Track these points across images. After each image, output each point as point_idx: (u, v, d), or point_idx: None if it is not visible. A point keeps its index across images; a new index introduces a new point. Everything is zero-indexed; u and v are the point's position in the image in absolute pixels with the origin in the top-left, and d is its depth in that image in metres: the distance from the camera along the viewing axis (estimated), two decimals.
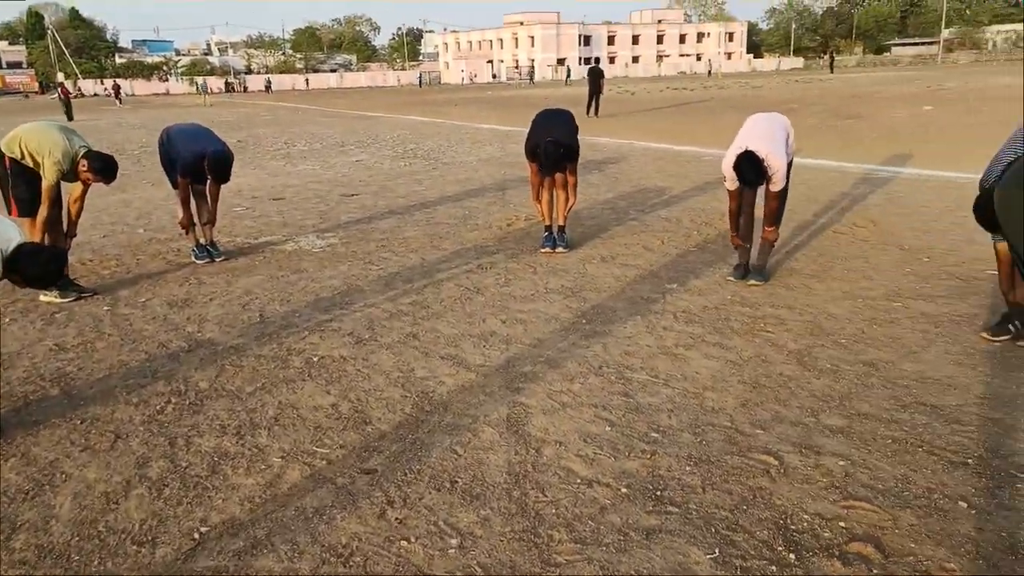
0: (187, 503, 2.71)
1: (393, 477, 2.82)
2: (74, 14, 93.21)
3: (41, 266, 3.27)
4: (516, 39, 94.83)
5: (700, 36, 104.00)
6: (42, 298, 5.22)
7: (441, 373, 3.78)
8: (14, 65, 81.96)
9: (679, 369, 3.70)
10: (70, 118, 27.77)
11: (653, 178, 9.82)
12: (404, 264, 5.94)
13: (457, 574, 2.27)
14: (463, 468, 2.86)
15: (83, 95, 65.88)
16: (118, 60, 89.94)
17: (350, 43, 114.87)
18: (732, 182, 4.88)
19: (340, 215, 8.11)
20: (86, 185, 5.24)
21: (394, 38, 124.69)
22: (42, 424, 3.37)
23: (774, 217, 5.08)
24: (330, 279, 5.59)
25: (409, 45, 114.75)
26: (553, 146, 5.70)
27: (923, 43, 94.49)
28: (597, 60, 26.72)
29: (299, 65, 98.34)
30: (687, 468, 2.78)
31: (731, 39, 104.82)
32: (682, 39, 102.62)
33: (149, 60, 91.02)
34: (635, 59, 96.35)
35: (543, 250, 6.16)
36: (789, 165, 5.05)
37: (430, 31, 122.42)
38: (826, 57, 77.11)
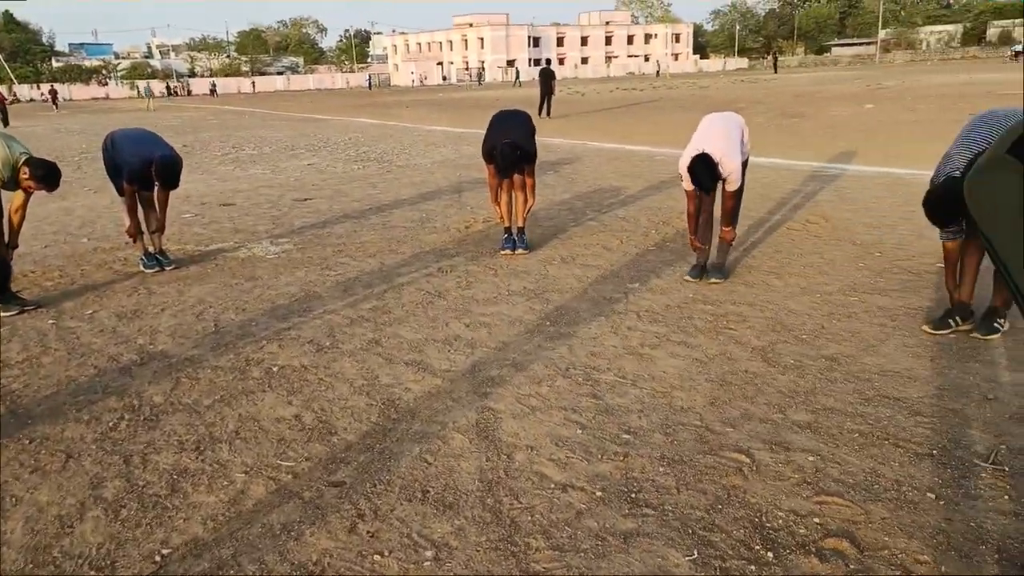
0: (146, 524, 2.60)
1: (362, 489, 2.74)
2: (8, 17, 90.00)
3: None
4: (466, 40, 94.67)
5: (647, 37, 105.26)
6: None
7: (406, 379, 3.71)
8: None
9: (646, 369, 3.70)
10: (6, 124, 26.79)
11: (608, 178, 9.87)
12: (362, 269, 5.84)
13: None
14: (434, 477, 2.80)
15: (19, 101, 63.71)
16: (55, 64, 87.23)
17: (296, 45, 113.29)
18: (689, 183, 4.91)
19: (293, 220, 7.95)
20: (28, 193, 5.03)
21: (342, 40, 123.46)
22: None
23: (731, 216, 5.13)
24: (286, 286, 5.47)
25: (357, 47, 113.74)
26: (510, 148, 5.67)
27: (861, 43, 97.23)
28: (548, 61, 26.83)
29: (245, 68, 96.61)
30: (660, 469, 2.77)
31: (678, 40, 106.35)
32: (630, 40, 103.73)
33: (87, 64, 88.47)
34: (584, 60, 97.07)
35: (503, 252, 6.13)
36: (744, 164, 5.11)
37: (378, 33, 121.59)
38: (769, 58, 78.87)
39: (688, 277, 5.18)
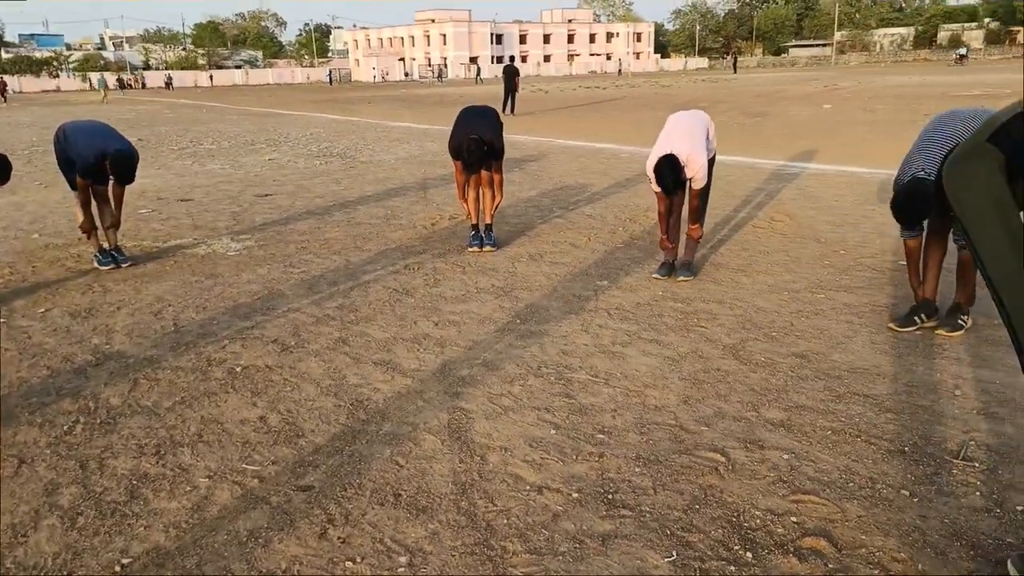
0: (105, 533, 2.48)
1: (332, 493, 2.66)
2: None
3: None
4: (428, 37, 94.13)
5: (609, 36, 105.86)
6: None
7: (375, 380, 3.63)
8: None
9: (618, 367, 3.67)
10: None
11: (574, 175, 9.85)
12: (327, 266, 5.73)
13: None
14: (406, 480, 2.74)
15: None
16: (4, 55, 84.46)
17: (255, 39, 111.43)
18: (657, 184, 4.90)
19: (255, 216, 7.78)
20: None
21: (301, 34, 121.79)
22: None
23: (697, 214, 5.14)
24: (248, 283, 5.33)
25: (318, 41, 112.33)
26: (476, 143, 5.61)
27: (817, 45, 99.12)
28: (512, 58, 26.74)
29: (201, 61, 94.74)
30: (636, 469, 2.74)
31: (639, 39, 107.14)
32: (592, 39, 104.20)
33: (38, 55, 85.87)
34: (547, 58, 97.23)
35: (471, 249, 6.06)
36: (712, 161, 5.12)
37: (339, 27, 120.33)
38: (729, 58, 79.94)
39: (657, 275, 5.18)
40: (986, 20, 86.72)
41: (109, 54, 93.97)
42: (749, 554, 2.24)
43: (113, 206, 5.78)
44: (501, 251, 6.04)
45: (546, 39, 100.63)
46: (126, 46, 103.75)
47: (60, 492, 2.74)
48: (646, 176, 4.97)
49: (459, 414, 3.23)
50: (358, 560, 2.30)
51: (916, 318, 3.99)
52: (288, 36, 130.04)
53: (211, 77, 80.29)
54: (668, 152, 4.74)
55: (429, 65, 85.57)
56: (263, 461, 2.90)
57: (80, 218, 5.76)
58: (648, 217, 7.05)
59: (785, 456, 2.78)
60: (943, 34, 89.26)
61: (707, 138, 5.01)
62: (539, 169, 10.52)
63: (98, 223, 5.85)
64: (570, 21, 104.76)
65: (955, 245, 3.95)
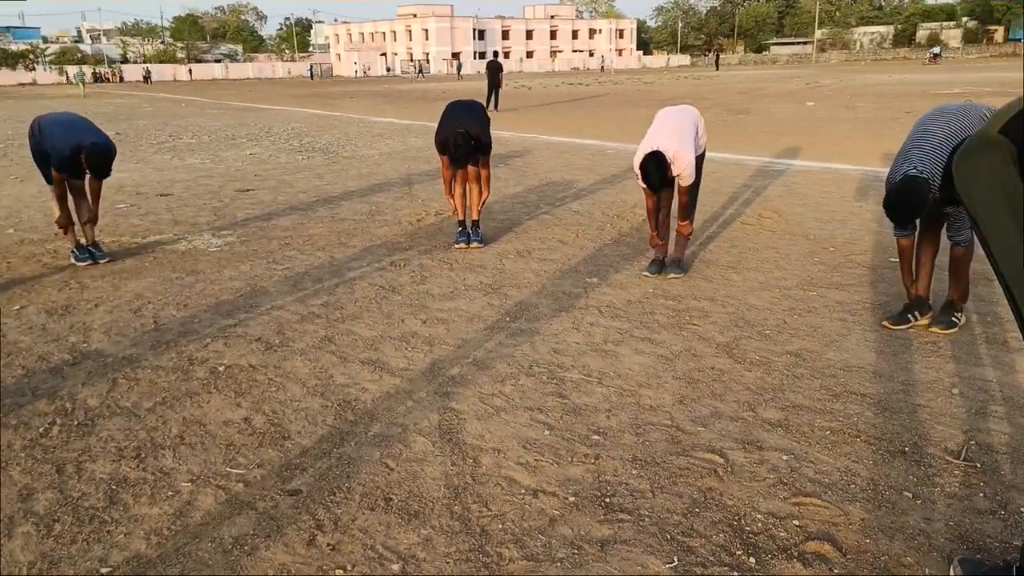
0: (83, 540, 2.38)
1: (321, 498, 2.58)
2: None
3: None
4: (410, 32, 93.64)
5: (592, 32, 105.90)
6: None
7: (362, 379, 3.54)
8: None
9: (611, 366, 3.61)
10: None
11: (560, 171, 9.79)
12: (311, 263, 5.62)
13: None
14: (397, 483, 2.65)
15: None
16: None
17: (235, 32, 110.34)
18: (643, 181, 4.84)
19: (236, 211, 7.64)
20: None
21: (282, 28, 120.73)
22: None
23: (687, 210, 5.08)
24: (231, 280, 5.21)
25: (298, 36, 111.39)
26: (463, 137, 5.52)
27: (798, 43, 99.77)
28: (496, 54, 26.61)
29: (180, 55, 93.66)
30: (633, 471, 2.67)
31: (621, 36, 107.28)
32: (574, 35, 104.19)
33: (14, 48, 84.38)
34: (529, 54, 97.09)
35: (457, 246, 5.98)
36: (701, 157, 5.07)
37: (320, 21, 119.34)
38: (711, 55, 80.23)
39: (647, 272, 5.12)
40: (964, 19, 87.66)
41: (86, 47, 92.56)
42: (752, 559, 2.18)
43: (90, 200, 5.63)
44: (488, 247, 5.95)
45: (528, 35, 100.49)
46: (103, 39, 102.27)
47: (35, 498, 2.63)
48: (633, 172, 4.91)
49: (450, 415, 3.15)
50: (349, 568, 2.21)
51: (910, 316, 3.95)
52: (268, 30, 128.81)
53: (190, 71, 79.35)
54: (654, 149, 4.68)
55: (411, 60, 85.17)
56: (248, 464, 2.81)
57: (56, 213, 5.61)
58: (636, 214, 7.00)
59: (784, 457, 2.72)
60: (922, 33, 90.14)
61: (696, 134, 4.96)
62: (524, 165, 10.44)
63: (75, 218, 5.70)
64: (552, 17, 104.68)
65: (948, 242, 3.91)
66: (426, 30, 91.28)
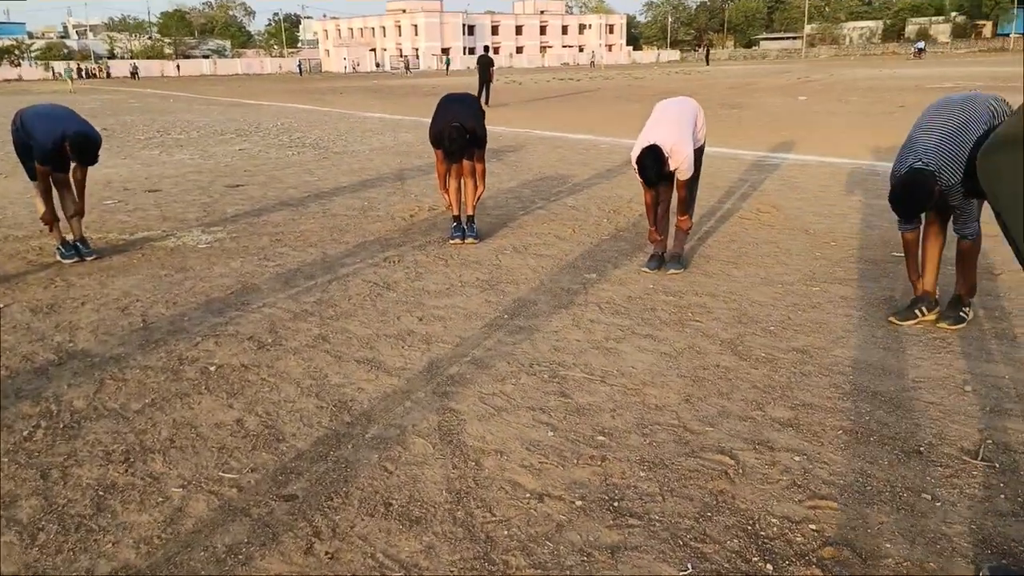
0: (69, 550, 2.27)
1: (317, 503, 2.48)
2: None
3: None
4: (399, 27, 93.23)
5: (582, 28, 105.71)
6: None
7: (358, 379, 3.43)
8: None
9: (614, 364, 3.51)
10: None
11: (554, 166, 9.68)
12: (303, 259, 5.50)
13: None
14: (397, 488, 2.56)
15: None
16: None
17: (223, 28, 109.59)
18: (640, 175, 4.75)
19: (226, 207, 7.51)
20: None
21: (270, 23, 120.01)
22: None
23: (685, 205, 5.00)
24: (221, 277, 5.09)
25: (287, 31, 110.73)
26: (458, 131, 5.42)
27: (788, 38, 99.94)
28: (486, 48, 26.31)
29: (168, 50, 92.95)
30: (641, 474, 2.58)
31: (611, 31, 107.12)
32: (564, 30, 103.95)
33: None
34: (519, 50, 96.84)
35: (452, 241, 5.87)
36: (700, 151, 4.98)
37: (308, 17, 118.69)
38: (702, 50, 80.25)
39: (646, 268, 5.03)
40: (953, 14, 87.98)
41: (72, 42, 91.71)
42: (769, 566, 2.09)
43: (75, 193, 5.49)
44: (484, 243, 5.85)
45: (518, 30, 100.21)
46: (90, 34, 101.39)
47: (19, 505, 2.52)
48: (628, 167, 4.82)
49: (450, 415, 3.06)
50: None
51: (916, 311, 3.88)
52: (257, 26, 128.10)
53: (178, 67, 78.75)
54: (652, 143, 4.59)
55: (401, 56, 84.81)
56: (241, 468, 2.70)
57: (41, 209, 5.47)
58: (632, 208, 6.91)
59: (797, 458, 2.64)
60: (911, 27, 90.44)
61: (695, 127, 4.86)
62: (518, 160, 10.34)
63: (60, 214, 5.56)
64: (542, 12, 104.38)
65: (955, 235, 3.84)
66: (415, 25, 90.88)
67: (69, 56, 78.87)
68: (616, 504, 2.41)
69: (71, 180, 5.45)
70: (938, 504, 2.34)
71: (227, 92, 35.45)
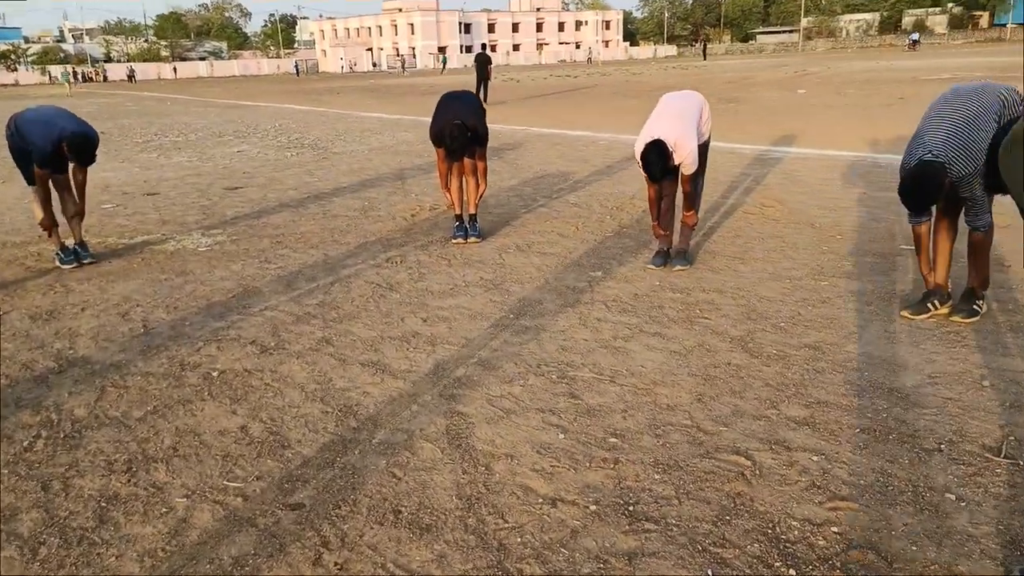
0: (71, 564, 2.22)
1: (325, 512, 2.42)
2: None
3: None
4: (395, 26, 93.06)
5: (578, 24, 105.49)
6: None
7: (363, 382, 3.37)
8: None
9: (623, 364, 3.45)
10: None
11: (554, 163, 9.62)
12: (304, 261, 5.44)
13: None
14: (406, 494, 2.50)
15: None
16: None
17: (219, 30, 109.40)
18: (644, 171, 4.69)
19: (225, 210, 7.44)
20: None
21: (267, 25, 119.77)
22: None
23: (691, 200, 4.94)
24: (222, 281, 5.03)
25: (283, 32, 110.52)
26: (459, 129, 5.36)
27: (784, 31, 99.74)
28: (484, 46, 26.13)
29: (164, 53, 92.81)
30: (656, 476, 2.52)
31: (608, 27, 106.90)
32: (561, 27, 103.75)
33: None
34: (516, 47, 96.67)
35: (455, 241, 5.81)
36: (705, 146, 4.92)
37: (304, 17, 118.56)
38: (699, 44, 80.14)
39: (651, 265, 4.97)
40: (949, 5, 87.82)
41: (69, 46, 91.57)
42: (792, 571, 2.03)
43: (75, 194, 5.43)
44: (487, 242, 5.79)
45: (515, 28, 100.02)
46: (86, 38, 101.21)
47: (19, 518, 2.46)
48: (628, 163, 4.76)
49: (457, 419, 3.00)
50: None
51: (929, 305, 3.82)
52: (253, 27, 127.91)
53: (175, 69, 78.62)
54: (655, 137, 4.52)
55: (398, 55, 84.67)
56: (246, 476, 2.64)
57: (39, 215, 5.40)
58: (635, 205, 6.85)
59: (814, 458, 2.58)
60: (907, 19, 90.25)
61: (699, 121, 4.80)
62: (517, 157, 10.27)
63: (60, 218, 5.50)
64: (539, 9, 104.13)
65: (966, 227, 3.77)
66: (412, 24, 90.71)
67: (65, 60, 78.77)
68: (631, 508, 2.36)
69: (71, 180, 5.39)
70: (963, 504, 2.28)
71: (224, 94, 35.37)
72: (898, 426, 2.76)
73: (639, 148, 4.59)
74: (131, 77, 67.00)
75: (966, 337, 3.55)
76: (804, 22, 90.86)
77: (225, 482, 2.62)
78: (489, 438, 2.84)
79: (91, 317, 4.39)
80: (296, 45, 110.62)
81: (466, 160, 5.72)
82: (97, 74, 72.68)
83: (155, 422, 3.08)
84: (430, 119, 5.62)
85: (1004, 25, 78.10)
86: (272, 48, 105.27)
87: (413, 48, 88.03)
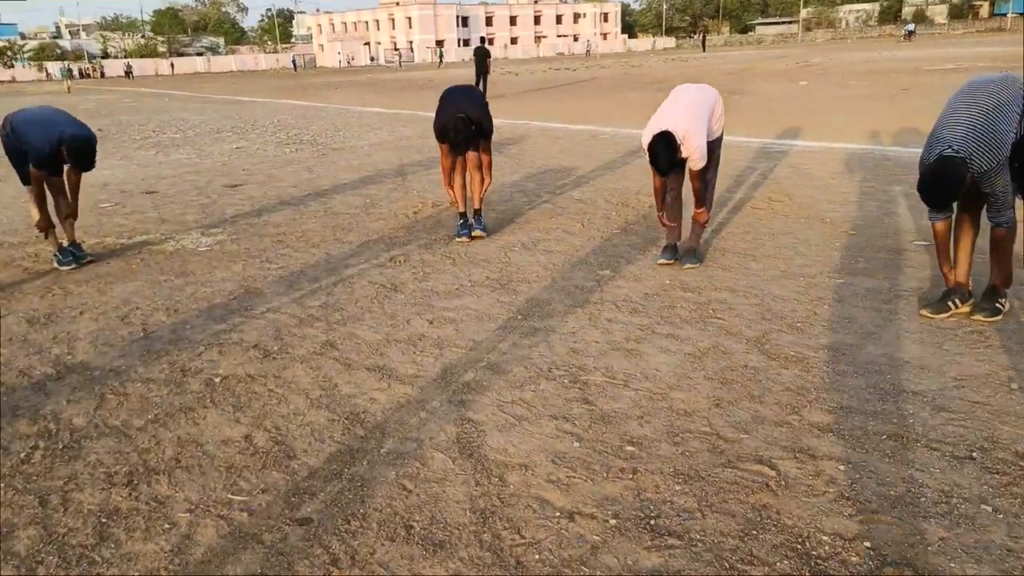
0: None
1: (334, 527, 2.32)
2: None
3: None
4: (393, 20, 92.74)
5: (576, 17, 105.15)
6: None
7: (370, 388, 3.28)
8: None
9: (636, 367, 3.36)
10: None
11: (557, 158, 9.51)
12: (306, 261, 5.34)
13: None
14: (417, 508, 2.40)
15: None
16: None
17: (216, 25, 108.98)
18: (651, 163, 4.58)
19: (225, 208, 7.34)
20: None
21: (263, 19, 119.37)
22: None
23: (700, 197, 4.82)
24: (223, 282, 4.93)
25: (280, 27, 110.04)
26: (463, 122, 5.25)
27: (784, 22, 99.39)
28: (483, 39, 25.93)
29: (162, 49, 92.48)
30: (677, 487, 2.43)
31: (606, 20, 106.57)
32: (559, 20, 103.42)
33: None
34: (514, 40, 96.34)
35: (459, 239, 5.71)
36: (717, 142, 4.82)
37: (301, 12, 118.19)
38: (698, 36, 79.84)
39: (661, 260, 4.87)
40: None
41: (65, 43, 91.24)
42: None
43: (69, 195, 5.32)
44: (492, 240, 5.69)
45: (512, 21, 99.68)
46: (83, 34, 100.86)
47: (16, 535, 2.37)
48: (632, 158, 4.66)
49: (468, 426, 2.90)
50: None
51: (950, 303, 3.72)
52: (250, 22, 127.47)
53: (172, 65, 78.36)
54: (664, 129, 4.41)
55: (395, 49, 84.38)
56: (252, 489, 2.55)
57: (36, 216, 5.30)
58: (641, 200, 6.74)
59: (841, 467, 2.48)
60: (908, 9, 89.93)
61: (710, 116, 4.69)
62: (519, 152, 10.16)
63: (55, 219, 5.40)
64: (536, 2, 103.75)
65: (988, 223, 3.67)
66: (409, 18, 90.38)
67: (62, 56, 78.49)
68: (653, 522, 2.26)
69: (65, 181, 5.29)
70: (1000, 516, 2.19)
71: (222, 89, 35.20)
72: (926, 432, 2.67)
73: (646, 139, 4.49)
74: (128, 73, 66.78)
75: (989, 337, 3.46)
76: (803, 13, 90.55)
77: (229, 495, 2.52)
78: (501, 447, 2.74)
79: (90, 320, 4.30)
80: (293, 40, 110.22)
81: (470, 154, 5.61)
82: (94, 70, 72.40)
83: (156, 431, 2.99)
84: (429, 113, 5.52)
85: (1005, 15, 77.77)
86: (269, 43, 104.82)
87: (411, 42, 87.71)
